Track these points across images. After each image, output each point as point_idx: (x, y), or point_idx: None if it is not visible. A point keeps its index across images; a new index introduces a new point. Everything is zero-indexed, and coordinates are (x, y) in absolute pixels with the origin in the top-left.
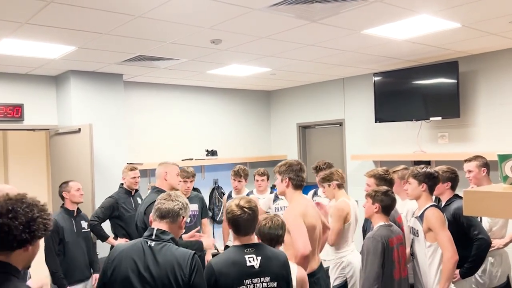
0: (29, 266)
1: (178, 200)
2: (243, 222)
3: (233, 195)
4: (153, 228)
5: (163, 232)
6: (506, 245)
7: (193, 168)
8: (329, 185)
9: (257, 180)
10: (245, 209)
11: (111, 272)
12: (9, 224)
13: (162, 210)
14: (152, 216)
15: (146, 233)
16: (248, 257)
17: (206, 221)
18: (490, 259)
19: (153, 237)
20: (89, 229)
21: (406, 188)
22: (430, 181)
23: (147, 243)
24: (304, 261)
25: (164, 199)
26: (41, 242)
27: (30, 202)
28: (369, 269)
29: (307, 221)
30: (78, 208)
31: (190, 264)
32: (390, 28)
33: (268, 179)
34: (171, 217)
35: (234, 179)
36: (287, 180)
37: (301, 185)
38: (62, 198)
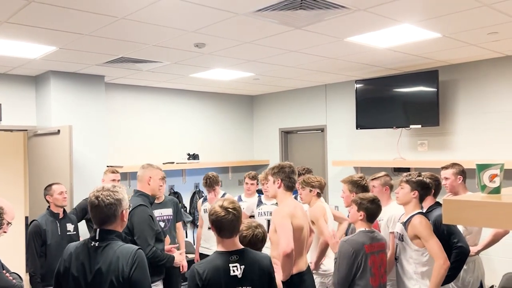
0: None
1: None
2: (227, 223)
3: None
4: (97, 229)
5: (107, 231)
6: (479, 252)
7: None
8: (310, 190)
9: (247, 183)
10: (229, 209)
11: (63, 271)
12: None
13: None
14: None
15: (91, 234)
16: (232, 266)
17: (180, 225)
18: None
19: (97, 237)
20: (75, 232)
21: (398, 192)
22: (422, 189)
23: (92, 243)
24: (287, 259)
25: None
26: (21, 242)
27: None
28: (338, 272)
29: (295, 222)
30: (64, 210)
31: (131, 260)
32: (373, 37)
33: (257, 183)
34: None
35: (208, 190)
36: (279, 181)
37: (292, 187)
38: (47, 201)
